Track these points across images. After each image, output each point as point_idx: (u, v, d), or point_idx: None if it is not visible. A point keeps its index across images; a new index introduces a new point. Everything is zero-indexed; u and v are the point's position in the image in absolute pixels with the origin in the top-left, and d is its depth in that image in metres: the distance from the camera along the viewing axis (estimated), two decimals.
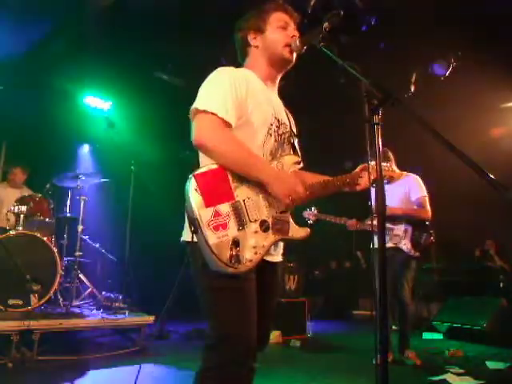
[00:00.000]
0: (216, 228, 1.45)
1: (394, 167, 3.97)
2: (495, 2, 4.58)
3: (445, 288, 6.70)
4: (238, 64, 1.85)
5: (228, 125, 1.55)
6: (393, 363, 3.77)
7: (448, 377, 3.44)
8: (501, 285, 6.62)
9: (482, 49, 4.87)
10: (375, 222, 1.37)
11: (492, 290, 6.50)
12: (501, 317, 5.16)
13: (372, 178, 1.65)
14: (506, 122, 6.71)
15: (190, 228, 1.47)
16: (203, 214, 1.45)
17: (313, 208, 4.00)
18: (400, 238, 3.93)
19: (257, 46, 1.79)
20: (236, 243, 1.46)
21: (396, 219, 3.95)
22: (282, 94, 1.90)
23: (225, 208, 1.49)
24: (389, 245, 3.89)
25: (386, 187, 3.95)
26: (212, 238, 1.43)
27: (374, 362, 1.34)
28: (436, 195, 4.13)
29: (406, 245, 3.91)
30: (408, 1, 4.56)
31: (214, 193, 1.49)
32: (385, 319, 1.33)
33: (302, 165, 1.89)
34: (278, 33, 1.76)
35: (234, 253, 1.45)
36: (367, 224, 3.93)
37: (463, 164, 1.25)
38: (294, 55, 1.77)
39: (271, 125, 1.70)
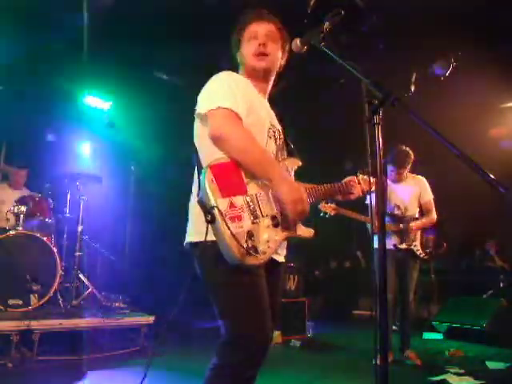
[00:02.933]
0: (232, 219, 1.46)
1: (406, 170, 4.01)
2: (495, 1, 4.58)
3: (445, 288, 6.69)
4: (236, 66, 1.88)
5: (240, 119, 1.59)
6: (393, 363, 3.77)
7: (448, 377, 3.44)
8: (501, 285, 6.61)
9: (482, 49, 4.87)
10: (386, 223, 1.37)
11: (492, 290, 6.50)
12: (501, 317, 5.16)
13: (366, 188, 1.72)
14: (506, 122, 6.71)
15: (206, 218, 1.46)
16: (220, 203, 1.46)
17: (328, 201, 3.75)
18: (412, 239, 3.95)
19: (241, 62, 1.84)
20: (251, 235, 1.48)
21: (409, 221, 3.97)
22: (282, 94, 1.92)
23: (239, 200, 1.51)
24: (403, 246, 3.94)
25: (397, 188, 4.01)
26: (232, 226, 1.45)
27: (374, 362, 1.33)
28: (436, 195, 4.15)
29: (416, 246, 3.96)
30: (408, 0, 4.56)
31: (229, 184, 1.51)
32: (385, 319, 1.32)
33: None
34: (248, 44, 1.79)
35: (250, 244, 1.46)
36: (387, 225, 3.90)
37: (463, 164, 1.25)
38: (264, 62, 1.77)
39: (269, 129, 1.74)
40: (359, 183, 1.96)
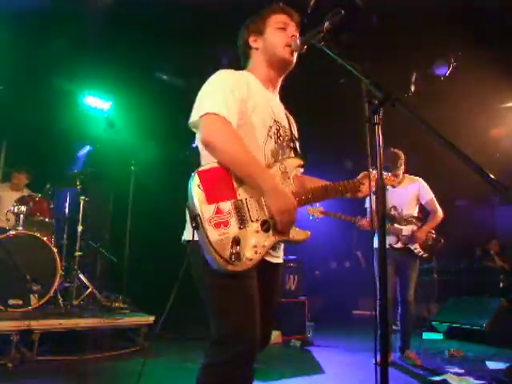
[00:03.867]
0: (217, 225, 1.45)
1: (400, 171, 4.01)
2: (496, 1, 4.58)
3: (445, 288, 6.70)
4: (238, 65, 1.86)
5: (230, 123, 1.56)
6: (393, 363, 3.78)
7: (448, 377, 3.44)
8: (501, 285, 6.62)
9: (482, 49, 4.87)
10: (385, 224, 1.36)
11: (492, 290, 6.50)
12: (501, 317, 5.16)
13: (373, 185, 1.65)
14: (506, 121, 6.71)
15: (192, 224, 1.47)
16: (205, 210, 1.45)
17: (317, 204, 3.65)
18: (409, 238, 3.95)
19: (257, 48, 1.81)
20: (237, 241, 1.46)
21: (407, 222, 3.98)
22: (283, 94, 1.90)
23: (227, 206, 1.49)
24: (398, 245, 3.94)
25: (395, 190, 4.02)
26: (213, 234, 1.44)
27: (374, 362, 1.34)
28: (436, 195, 4.16)
29: (414, 245, 3.96)
30: (408, 1, 4.56)
31: (216, 190, 1.50)
32: (385, 319, 1.33)
33: (302, 170, 1.89)
34: (278, 34, 1.77)
35: (234, 251, 1.45)
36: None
37: (463, 164, 1.25)
38: (295, 56, 1.77)
39: (271, 127, 1.71)
40: (369, 179, 1.89)
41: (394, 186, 3.94)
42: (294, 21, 1.81)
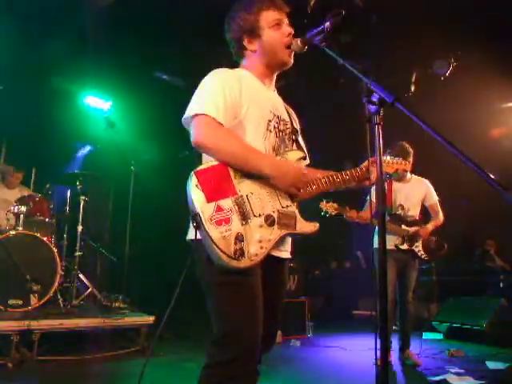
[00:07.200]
0: (219, 223, 1.45)
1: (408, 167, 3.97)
2: (496, 1, 4.58)
3: (445, 288, 6.69)
4: (236, 64, 1.85)
5: (220, 123, 1.56)
6: (393, 363, 3.78)
7: (448, 377, 3.44)
8: (501, 285, 6.61)
9: (482, 49, 4.87)
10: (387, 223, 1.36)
11: (492, 290, 6.50)
12: (501, 317, 5.16)
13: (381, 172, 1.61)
14: (506, 121, 6.71)
15: (193, 224, 1.48)
16: (205, 209, 1.46)
17: (324, 200, 3.42)
18: (414, 239, 3.94)
19: (254, 51, 1.77)
20: (240, 238, 1.46)
21: (412, 223, 3.97)
22: (282, 93, 1.90)
23: (227, 203, 1.49)
24: (404, 247, 3.92)
25: (402, 188, 3.99)
26: (215, 232, 1.44)
27: (374, 362, 1.33)
28: (436, 195, 4.16)
29: (418, 247, 3.95)
30: (408, 0, 4.56)
31: (215, 188, 1.50)
32: (385, 319, 1.33)
33: (308, 161, 1.88)
34: (275, 35, 1.73)
35: (238, 247, 1.45)
36: (392, 226, 3.87)
37: (463, 163, 1.25)
38: (292, 57, 1.76)
39: (270, 121, 1.70)
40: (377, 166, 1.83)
41: (406, 172, 3.90)
42: (285, 13, 1.77)
